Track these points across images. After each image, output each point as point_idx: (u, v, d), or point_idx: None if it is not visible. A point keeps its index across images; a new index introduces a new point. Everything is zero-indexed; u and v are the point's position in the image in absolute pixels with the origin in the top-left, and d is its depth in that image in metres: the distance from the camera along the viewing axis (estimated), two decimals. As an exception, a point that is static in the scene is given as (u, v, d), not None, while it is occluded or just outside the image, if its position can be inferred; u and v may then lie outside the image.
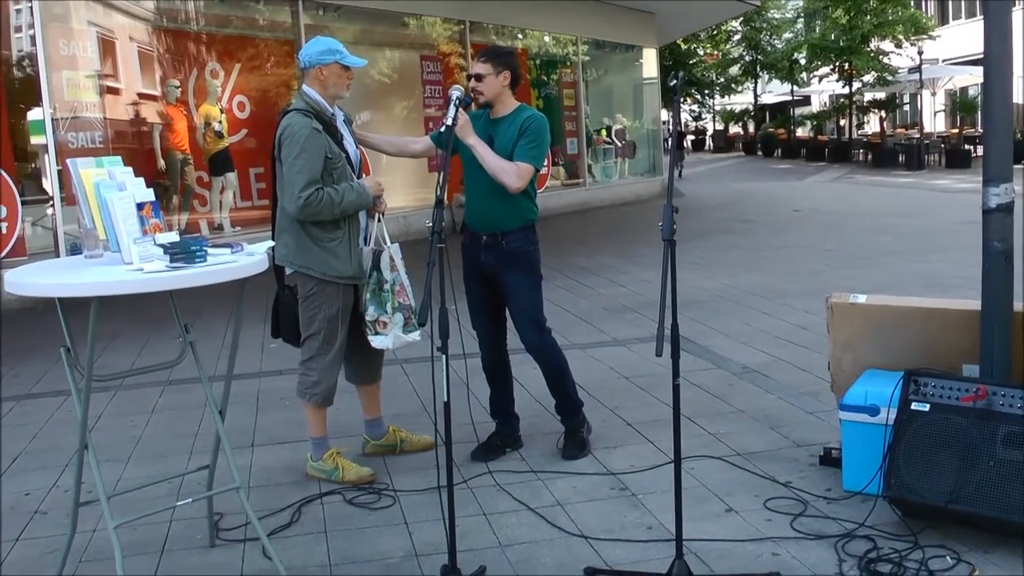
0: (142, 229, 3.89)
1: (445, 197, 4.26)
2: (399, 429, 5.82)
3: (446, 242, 4.07)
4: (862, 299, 5.23)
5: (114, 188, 3.89)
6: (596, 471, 5.38)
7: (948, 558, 4.16)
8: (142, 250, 3.79)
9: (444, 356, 3.99)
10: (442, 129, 4.94)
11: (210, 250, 3.88)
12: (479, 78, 5.40)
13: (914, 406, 4.49)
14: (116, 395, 7.20)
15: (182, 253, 3.70)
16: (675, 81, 4.34)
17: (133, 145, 13.40)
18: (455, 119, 4.96)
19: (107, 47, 13.13)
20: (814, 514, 4.68)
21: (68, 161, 4.07)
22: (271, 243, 4.59)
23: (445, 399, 4.02)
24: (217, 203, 14.35)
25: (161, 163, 13.52)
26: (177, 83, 13.78)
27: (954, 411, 4.39)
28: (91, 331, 3.73)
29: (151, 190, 4.04)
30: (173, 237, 3.87)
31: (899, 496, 4.42)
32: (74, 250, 11.24)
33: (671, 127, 4.13)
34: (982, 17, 4.68)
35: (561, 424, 5.79)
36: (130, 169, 4.10)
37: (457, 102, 4.99)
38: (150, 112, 13.69)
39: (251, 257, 3.94)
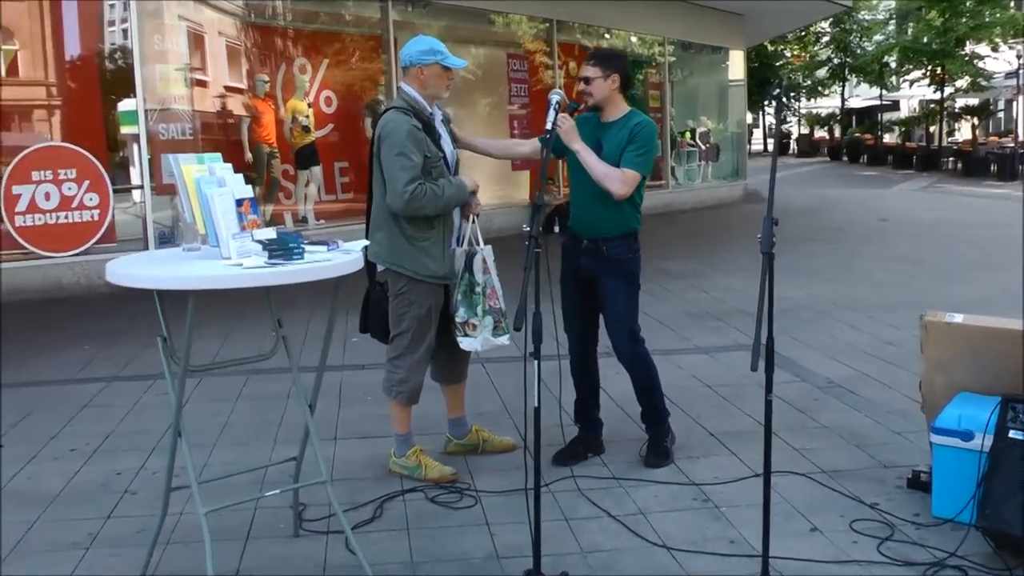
0: (240, 225, 3.95)
1: (543, 202, 4.24)
2: (482, 429, 5.83)
3: (542, 246, 4.06)
4: (958, 319, 5.10)
5: (214, 184, 3.95)
6: (678, 481, 5.34)
7: (1045, 595, 4.06)
8: (240, 245, 3.84)
9: (536, 362, 3.98)
10: (548, 127, 4.91)
11: (307, 247, 3.92)
12: (587, 81, 5.38)
13: (1012, 434, 4.36)
14: (202, 381, 7.28)
15: (280, 250, 3.74)
16: (778, 89, 4.28)
17: (220, 137, 13.66)
18: (555, 123, 4.93)
19: (198, 41, 13.39)
20: (902, 539, 4.57)
21: (170, 157, 4.13)
22: (366, 241, 4.62)
23: (536, 405, 4.02)
24: (302, 196, 14.51)
25: (248, 156, 13.73)
26: (266, 78, 13.99)
27: (1056, 441, 4.27)
28: (188, 323, 3.77)
29: (249, 187, 4.10)
30: (271, 233, 3.91)
31: (993, 528, 4.30)
32: (163, 239, 11.60)
33: (772, 133, 4.06)
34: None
35: (645, 432, 5.76)
36: (229, 165, 4.15)
37: (557, 106, 4.98)
38: (238, 106, 13.93)
39: (347, 256, 3.97)
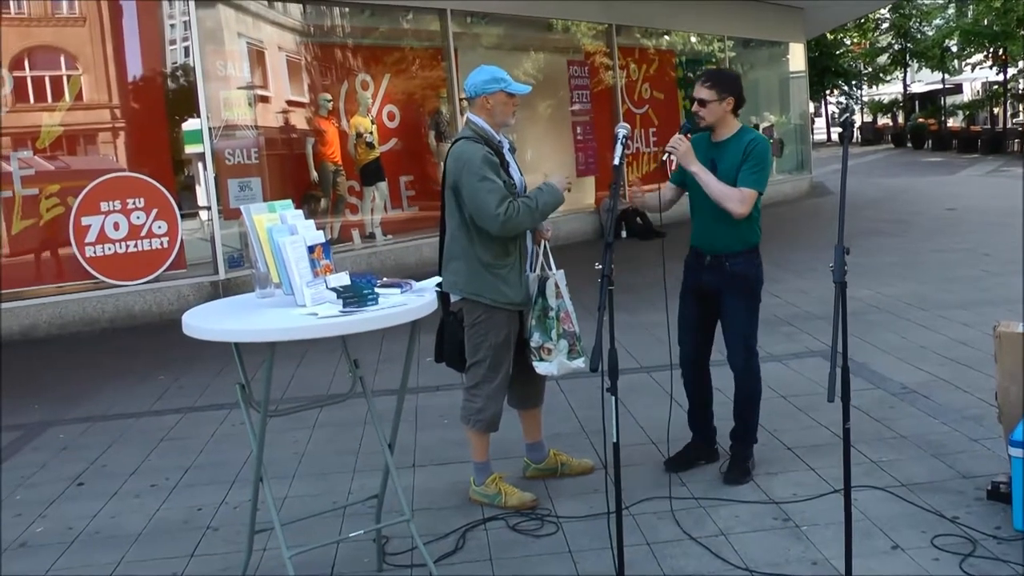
0: (313, 271, 4.01)
1: (611, 236, 4.25)
2: (559, 452, 5.86)
3: (615, 283, 4.07)
4: (1031, 328, 5.07)
5: (286, 232, 4.01)
6: (758, 499, 5.33)
7: None
8: (315, 293, 3.91)
9: (614, 398, 4.00)
10: (616, 162, 4.93)
11: (380, 291, 3.97)
12: (702, 103, 5.42)
13: (1089, 445, 4.34)
14: (278, 409, 7.35)
15: (354, 297, 3.79)
16: (845, 127, 4.28)
17: (286, 152, 13.81)
18: (622, 158, 4.94)
19: (259, 58, 13.55)
20: (984, 555, 4.52)
21: (241, 207, 4.21)
22: (438, 278, 4.67)
23: (615, 440, 4.04)
24: (368, 211, 14.61)
25: (314, 175, 13.83)
26: (329, 96, 14.07)
27: None
28: (267, 373, 3.84)
29: (321, 233, 4.15)
30: (344, 279, 3.97)
31: (1075, 540, 4.28)
32: (232, 262, 11.68)
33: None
34: None
35: (728, 450, 5.79)
36: (300, 212, 4.21)
37: (624, 140, 4.98)
38: (302, 121, 14.07)
39: (421, 298, 4.03)
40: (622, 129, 5.04)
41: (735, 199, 5.30)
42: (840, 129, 4.52)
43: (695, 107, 5.47)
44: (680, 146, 5.32)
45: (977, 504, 5.09)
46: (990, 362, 5.32)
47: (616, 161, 4.87)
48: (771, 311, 10.28)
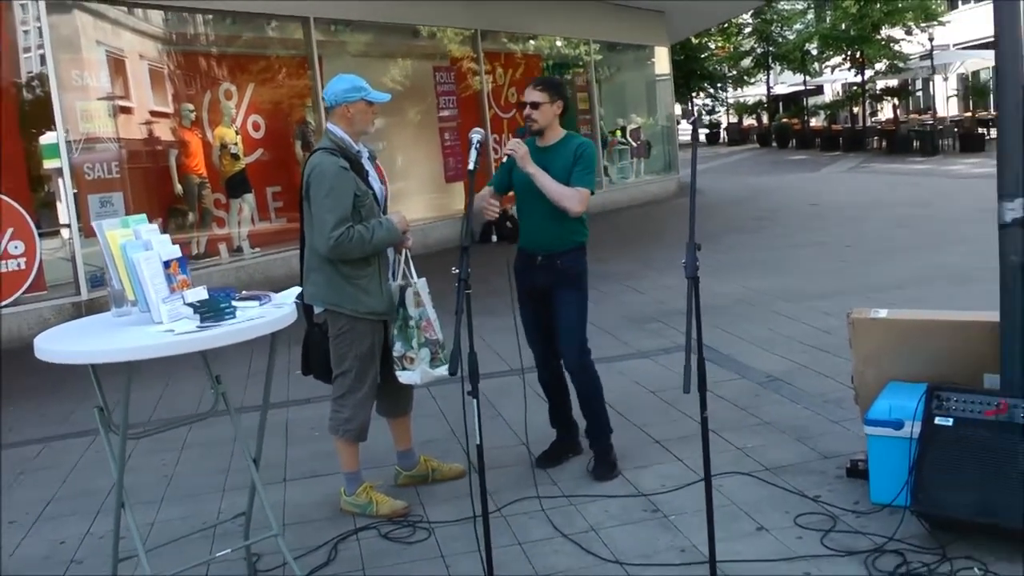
0: (170, 287, 3.97)
1: (467, 240, 4.28)
2: (430, 459, 5.87)
3: (472, 288, 4.11)
4: (883, 314, 5.30)
5: (140, 248, 3.96)
6: (627, 493, 5.42)
7: (976, 569, 4.22)
8: (171, 309, 3.87)
9: (475, 400, 4.04)
10: (470, 167, 4.97)
11: (238, 304, 3.95)
12: (535, 106, 5.55)
13: (938, 421, 4.54)
14: (145, 431, 7.22)
15: (211, 311, 3.77)
16: (693, 117, 4.40)
17: (148, 167, 13.37)
18: (477, 162, 4.99)
19: (119, 67, 13.07)
20: (844, 529, 4.72)
21: (94, 223, 4.14)
22: (298, 289, 4.65)
23: (478, 442, 4.07)
24: (235, 224, 14.37)
25: (178, 188, 13.51)
26: (192, 107, 13.76)
27: (977, 425, 4.45)
28: (125, 395, 3.79)
29: (177, 247, 4.11)
30: (201, 294, 3.94)
31: (926, 510, 4.49)
32: (95, 281, 11.28)
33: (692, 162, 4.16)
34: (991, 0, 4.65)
35: (590, 447, 5.85)
36: (155, 226, 4.16)
37: (478, 146, 5.03)
38: (165, 132, 13.69)
39: (280, 310, 4.01)
40: (476, 134, 5.09)
41: (574, 198, 5.46)
42: (702, 127, 4.72)
43: (527, 111, 5.58)
44: (519, 149, 5.43)
45: (838, 482, 5.30)
46: (849, 348, 5.50)
47: (471, 166, 4.92)
48: (638, 308, 10.46)
